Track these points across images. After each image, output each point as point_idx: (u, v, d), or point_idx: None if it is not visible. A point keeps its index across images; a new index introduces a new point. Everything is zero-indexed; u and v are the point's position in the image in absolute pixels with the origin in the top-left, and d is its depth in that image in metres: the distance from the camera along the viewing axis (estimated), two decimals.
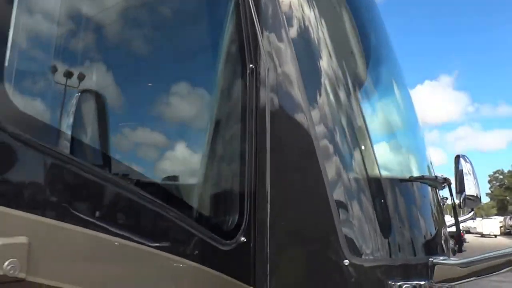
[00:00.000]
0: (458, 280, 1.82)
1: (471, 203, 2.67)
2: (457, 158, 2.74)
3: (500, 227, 61.20)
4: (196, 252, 1.71)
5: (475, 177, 2.73)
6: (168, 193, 1.84)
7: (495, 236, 56.87)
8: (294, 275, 1.85)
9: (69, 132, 1.71)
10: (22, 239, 1.20)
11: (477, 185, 2.77)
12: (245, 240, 1.86)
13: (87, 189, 1.49)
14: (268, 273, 1.84)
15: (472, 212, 3.21)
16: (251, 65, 2.00)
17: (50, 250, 1.31)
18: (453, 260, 1.91)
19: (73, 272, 1.38)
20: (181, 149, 1.94)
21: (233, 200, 1.91)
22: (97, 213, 1.51)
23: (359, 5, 2.42)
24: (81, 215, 1.42)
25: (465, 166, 2.68)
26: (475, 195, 2.64)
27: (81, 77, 1.83)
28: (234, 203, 1.90)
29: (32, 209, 1.29)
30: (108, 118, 1.82)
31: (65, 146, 1.61)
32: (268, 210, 1.87)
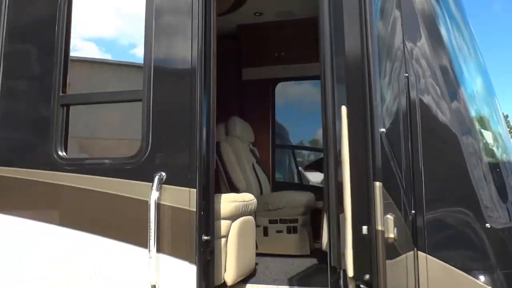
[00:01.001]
0: None
1: None
2: None
3: None
4: None
5: None
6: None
7: None
8: (447, 240, 2.49)
9: None
10: None
11: None
12: (413, 211, 2.54)
13: None
14: (425, 237, 2.52)
15: None
16: (405, 74, 2.61)
17: None
18: None
19: None
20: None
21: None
22: None
23: (463, 6, 3.07)
24: None
25: None
26: None
27: None
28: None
29: None
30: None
31: None
32: (423, 189, 2.56)
